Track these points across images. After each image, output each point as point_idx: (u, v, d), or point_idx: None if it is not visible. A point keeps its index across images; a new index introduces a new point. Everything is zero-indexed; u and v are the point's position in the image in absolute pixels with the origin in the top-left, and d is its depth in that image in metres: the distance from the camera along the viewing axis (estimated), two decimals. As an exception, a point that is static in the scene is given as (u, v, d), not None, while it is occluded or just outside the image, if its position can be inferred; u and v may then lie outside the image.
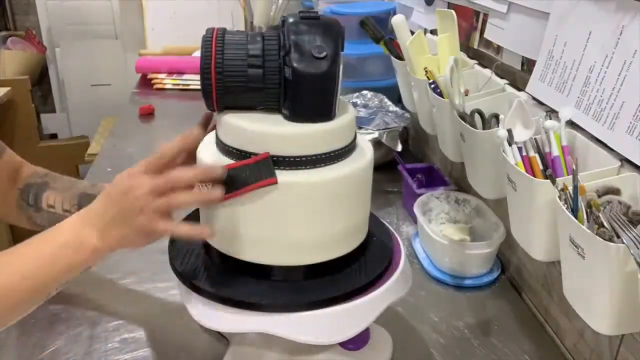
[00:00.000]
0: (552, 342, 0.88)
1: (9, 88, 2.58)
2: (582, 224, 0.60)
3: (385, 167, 1.35)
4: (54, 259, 0.64)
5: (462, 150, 0.96)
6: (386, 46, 1.26)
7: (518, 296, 0.99)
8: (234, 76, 0.63)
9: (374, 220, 0.77)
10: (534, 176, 0.71)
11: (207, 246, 0.72)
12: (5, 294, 0.62)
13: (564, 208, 0.63)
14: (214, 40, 0.62)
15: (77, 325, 0.89)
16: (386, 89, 1.55)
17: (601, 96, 0.71)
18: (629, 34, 0.66)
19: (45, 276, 0.64)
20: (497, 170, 0.82)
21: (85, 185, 0.88)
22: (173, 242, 0.75)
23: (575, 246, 0.61)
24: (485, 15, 1.06)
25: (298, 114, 0.64)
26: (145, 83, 2.15)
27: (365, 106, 1.52)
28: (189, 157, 0.70)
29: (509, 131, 0.75)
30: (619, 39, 0.68)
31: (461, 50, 1.09)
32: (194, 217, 0.77)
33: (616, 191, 0.64)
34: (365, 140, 0.72)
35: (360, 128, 1.36)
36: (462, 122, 0.88)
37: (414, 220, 1.15)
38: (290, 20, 0.63)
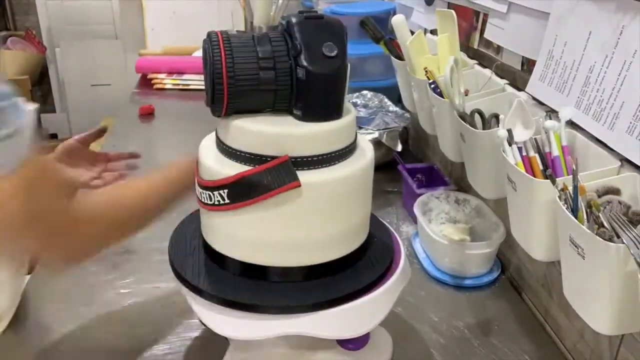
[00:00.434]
0: (552, 342, 0.89)
1: (9, 88, 2.58)
2: (582, 224, 0.60)
3: (385, 167, 1.35)
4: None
5: (462, 150, 0.96)
6: (386, 46, 1.26)
7: (518, 296, 0.99)
8: (246, 80, 0.62)
9: (373, 220, 0.77)
10: (534, 176, 0.71)
11: (207, 247, 0.72)
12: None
13: (564, 208, 0.63)
14: (222, 44, 0.62)
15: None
16: (386, 89, 1.55)
17: (601, 96, 0.71)
18: (629, 34, 0.66)
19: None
20: (497, 170, 0.82)
21: None
22: (173, 242, 0.75)
23: (575, 246, 0.61)
24: (485, 15, 1.06)
25: (311, 114, 0.64)
26: (145, 83, 2.14)
27: (365, 106, 1.52)
28: None
29: (509, 131, 0.75)
30: (619, 39, 0.68)
31: (461, 50, 1.09)
32: (194, 217, 0.77)
33: (616, 191, 0.64)
34: (365, 140, 0.72)
35: (360, 128, 1.36)
36: (462, 122, 0.88)
37: (414, 220, 1.15)
38: (295, 20, 0.63)
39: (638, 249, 0.54)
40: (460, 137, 0.92)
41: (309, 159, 0.63)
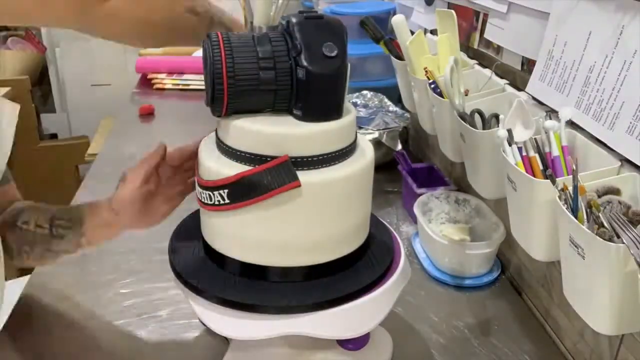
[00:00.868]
0: (552, 342, 0.88)
1: (9, 88, 2.58)
2: (582, 224, 0.60)
3: (385, 167, 1.35)
4: None
5: (462, 150, 0.96)
6: (386, 46, 1.26)
7: (518, 296, 0.99)
8: (246, 80, 0.62)
9: (373, 220, 0.77)
10: (534, 176, 0.71)
11: (207, 247, 0.72)
12: None
13: (564, 208, 0.63)
14: (222, 44, 0.62)
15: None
16: (386, 89, 1.55)
17: (601, 96, 0.71)
18: (629, 34, 0.66)
19: None
20: (497, 170, 0.82)
21: (62, 207, 0.84)
22: (173, 241, 0.75)
23: (575, 246, 0.61)
24: (485, 15, 1.06)
25: (312, 114, 0.64)
26: (145, 83, 2.14)
27: (365, 106, 1.52)
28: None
29: (509, 131, 0.75)
30: (619, 39, 0.68)
31: (461, 50, 1.09)
32: (194, 217, 0.77)
33: (616, 191, 0.64)
34: (365, 140, 0.72)
35: (360, 128, 1.36)
36: (462, 122, 0.88)
37: (414, 220, 1.15)
38: (295, 20, 0.63)
39: (638, 249, 0.54)
40: (460, 137, 0.92)
41: (309, 159, 0.63)
